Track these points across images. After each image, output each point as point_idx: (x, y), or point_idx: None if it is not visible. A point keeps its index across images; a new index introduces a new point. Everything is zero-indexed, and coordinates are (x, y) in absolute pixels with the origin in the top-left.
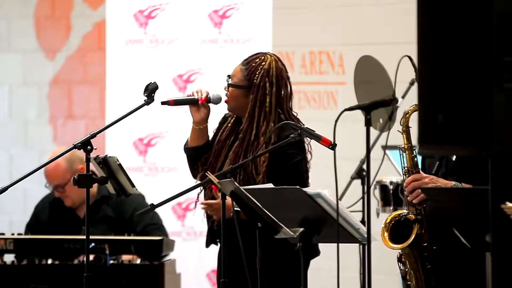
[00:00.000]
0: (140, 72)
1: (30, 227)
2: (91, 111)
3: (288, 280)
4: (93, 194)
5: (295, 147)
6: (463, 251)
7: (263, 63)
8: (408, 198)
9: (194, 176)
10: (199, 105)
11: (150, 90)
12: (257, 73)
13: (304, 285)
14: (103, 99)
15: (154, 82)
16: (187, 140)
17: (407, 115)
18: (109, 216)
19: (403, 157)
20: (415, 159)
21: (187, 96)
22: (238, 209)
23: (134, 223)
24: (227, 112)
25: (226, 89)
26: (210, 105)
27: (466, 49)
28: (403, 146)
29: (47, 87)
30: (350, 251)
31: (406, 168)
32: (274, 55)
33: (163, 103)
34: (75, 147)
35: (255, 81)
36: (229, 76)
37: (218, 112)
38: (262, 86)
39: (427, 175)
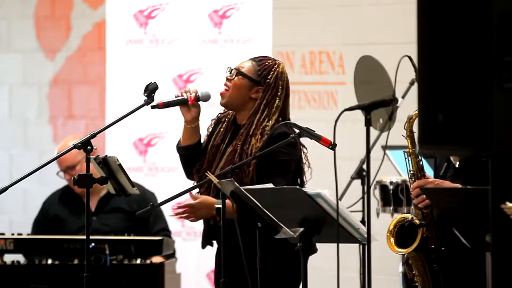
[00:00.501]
0: (140, 72)
1: (39, 222)
2: (91, 111)
3: (288, 280)
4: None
5: (287, 147)
6: (472, 252)
7: (276, 66)
8: (414, 201)
9: (188, 177)
10: (189, 105)
11: (150, 90)
12: (271, 73)
13: (304, 285)
14: (103, 99)
15: (154, 82)
16: (180, 140)
17: (411, 120)
18: (121, 207)
19: (408, 161)
20: (420, 163)
21: (176, 96)
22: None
23: (150, 223)
24: (220, 112)
25: (232, 76)
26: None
27: (466, 49)
28: (408, 150)
29: (47, 87)
30: (350, 251)
31: (411, 172)
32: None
33: (153, 107)
34: (75, 147)
35: (268, 80)
36: (231, 69)
37: (210, 112)
38: (274, 87)
39: (433, 179)
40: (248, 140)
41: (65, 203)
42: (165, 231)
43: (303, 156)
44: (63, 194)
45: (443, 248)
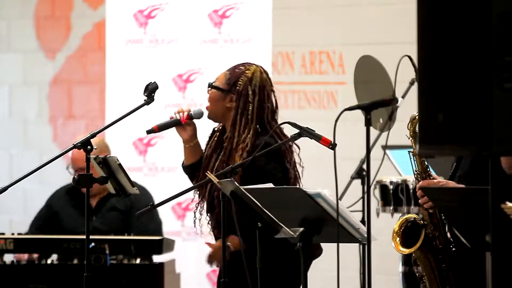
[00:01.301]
0: (140, 72)
1: (41, 215)
2: (91, 111)
3: (288, 280)
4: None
5: (273, 162)
6: (482, 252)
7: (247, 71)
8: (419, 201)
9: None
10: (183, 124)
11: (150, 90)
12: (240, 80)
13: (304, 285)
14: (103, 99)
15: (154, 82)
16: (183, 160)
17: (414, 120)
18: (115, 206)
19: (413, 161)
20: (425, 163)
21: (170, 118)
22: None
23: (143, 222)
24: (215, 126)
25: (208, 92)
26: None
27: (466, 49)
28: (412, 150)
29: (47, 87)
30: (350, 251)
31: (417, 173)
32: (262, 67)
33: (148, 132)
34: (75, 147)
35: (238, 88)
36: (209, 83)
37: (209, 126)
38: (245, 94)
39: (439, 180)
40: (233, 155)
41: (70, 199)
42: (156, 232)
43: (296, 159)
44: (70, 190)
45: (453, 248)
